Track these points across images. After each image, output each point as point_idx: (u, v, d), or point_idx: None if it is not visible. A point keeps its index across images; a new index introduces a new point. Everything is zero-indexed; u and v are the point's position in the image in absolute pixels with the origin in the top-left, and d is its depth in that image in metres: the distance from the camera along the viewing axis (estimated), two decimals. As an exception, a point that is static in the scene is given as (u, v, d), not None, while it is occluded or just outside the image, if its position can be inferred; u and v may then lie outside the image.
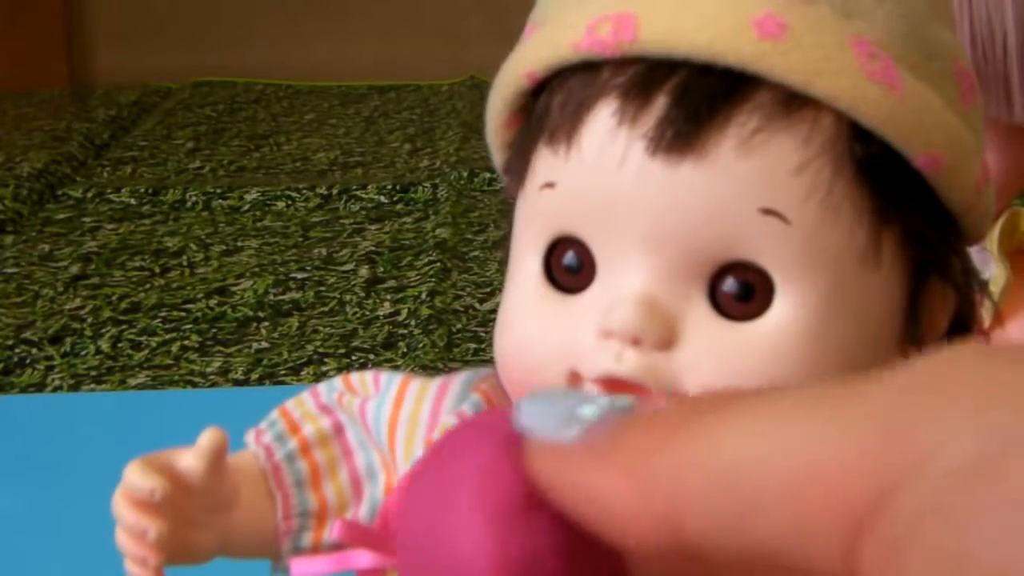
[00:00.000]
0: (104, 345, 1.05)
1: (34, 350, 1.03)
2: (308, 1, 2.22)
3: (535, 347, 0.38)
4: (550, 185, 0.38)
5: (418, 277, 1.22)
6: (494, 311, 1.22)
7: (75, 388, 0.97)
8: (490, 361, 0.44)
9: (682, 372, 0.36)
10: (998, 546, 0.15)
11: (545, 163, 0.38)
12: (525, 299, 0.39)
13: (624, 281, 0.37)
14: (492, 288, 1.17)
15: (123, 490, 0.44)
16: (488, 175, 1.47)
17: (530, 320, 0.39)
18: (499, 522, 0.18)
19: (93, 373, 1.00)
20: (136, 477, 0.44)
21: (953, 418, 0.16)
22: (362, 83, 2.13)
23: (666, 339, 0.36)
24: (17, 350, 1.03)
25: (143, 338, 1.07)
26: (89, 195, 1.48)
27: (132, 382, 0.97)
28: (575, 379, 0.37)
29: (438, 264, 1.25)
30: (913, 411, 0.16)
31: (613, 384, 0.36)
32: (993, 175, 0.77)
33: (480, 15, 2.42)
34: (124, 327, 1.09)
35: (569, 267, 0.38)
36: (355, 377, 0.49)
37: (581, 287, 0.37)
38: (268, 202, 1.47)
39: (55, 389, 0.97)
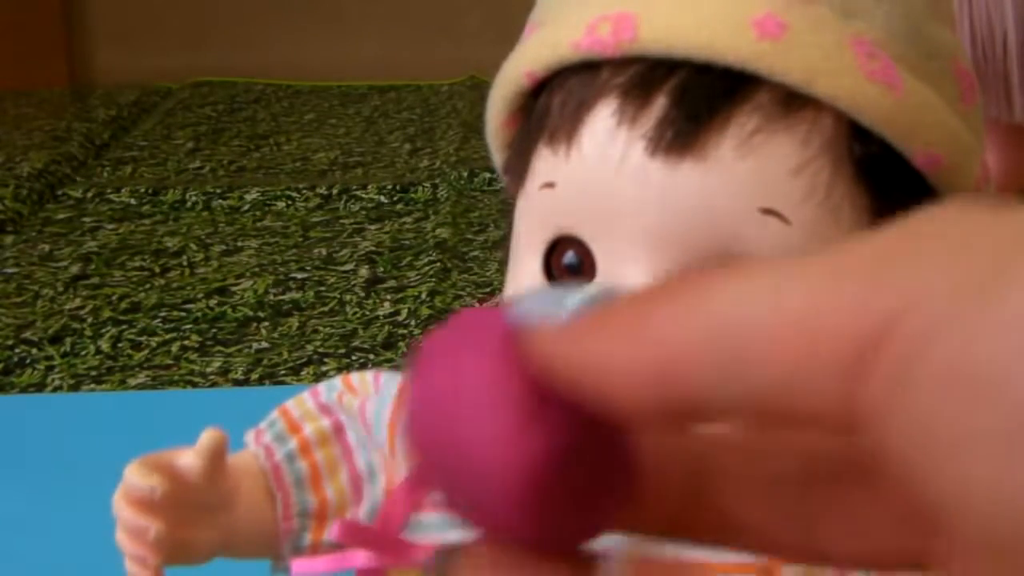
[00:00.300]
0: (104, 345, 1.05)
1: (34, 350, 1.03)
2: (308, 1, 2.22)
3: None
4: (550, 185, 0.38)
5: (418, 277, 1.22)
6: (494, 311, 1.22)
7: (75, 388, 0.97)
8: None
9: None
10: (1007, 361, 0.15)
11: (545, 163, 0.38)
12: None
13: (624, 280, 0.37)
14: (492, 288, 1.17)
15: (123, 490, 0.44)
16: (488, 175, 1.47)
17: None
18: (520, 418, 0.18)
19: (93, 373, 1.00)
20: (135, 476, 0.44)
21: (948, 251, 0.17)
22: (362, 83, 2.13)
23: None
24: (17, 350, 1.03)
25: (143, 338, 1.07)
26: (89, 195, 1.48)
27: (132, 382, 0.97)
28: None
29: (438, 264, 1.25)
30: (909, 250, 0.17)
31: None
32: (993, 175, 0.77)
33: (480, 14, 2.41)
34: (124, 327, 1.09)
35: (570, 266, 0.38)
36: (355, 377, 0.49)
37: None
38: (268, 202, 1.47)
39: (55, 389, 0.97)
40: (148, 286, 1.17)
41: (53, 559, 0.73)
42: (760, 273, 0.18)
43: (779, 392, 0.17)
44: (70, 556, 0.73)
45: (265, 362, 1.01)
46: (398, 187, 1.50)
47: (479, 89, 2.10)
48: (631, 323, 0.18)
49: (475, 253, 1.28)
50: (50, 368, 1.01)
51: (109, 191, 1.48)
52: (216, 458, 0.44)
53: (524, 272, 0.40)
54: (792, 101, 0.36)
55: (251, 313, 1.12)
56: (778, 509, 0.21)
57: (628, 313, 0.18)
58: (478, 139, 1.82)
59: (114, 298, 1.16)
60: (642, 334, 0.18)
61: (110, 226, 1.39)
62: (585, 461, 0.19)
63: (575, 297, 0.19)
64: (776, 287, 0.17)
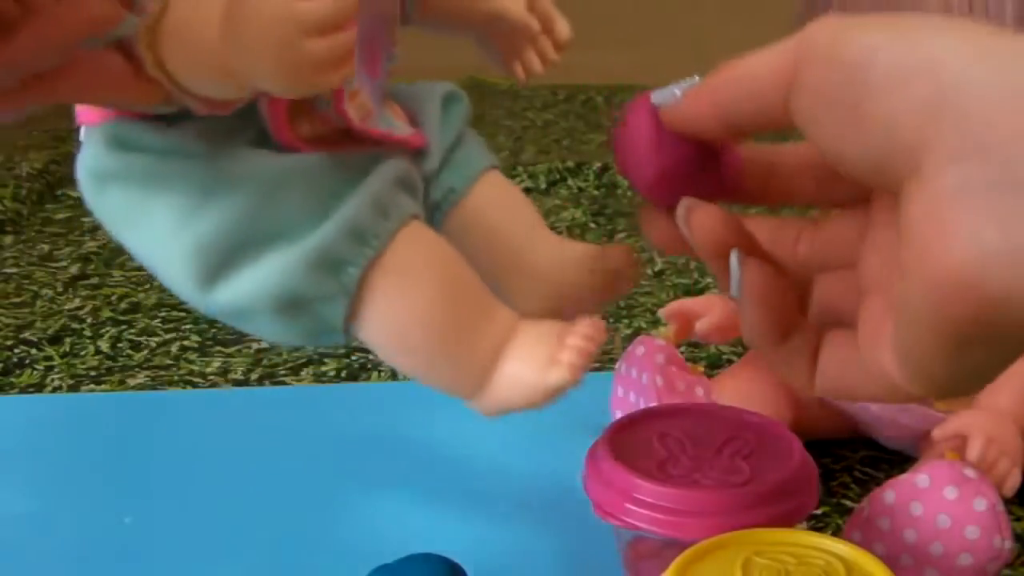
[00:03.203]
0: (104, 345, 1.05)
1: (34, 350, 1.03)
2: (308, 1, 2.22)
3: None
4: None
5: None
6: (494, 311, 1.21)
7: (75, 388, 0.97)
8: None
9: None
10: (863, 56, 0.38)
11: None
12: None
13: None
14: (492, 288, 1.17)
15: None
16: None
17: None
18: (653, 145, 0.43)
19: (93, 373, 1.00)
20: None
21: (827, 22, 0.40)
22: (362, 83, 2.13)
23: None
24: (17, 350, 1.03)
25: (143, 338, 1.07)
26: (89, 195, 1.48)
27: (132, 382, 0.97)
28: None
29: (438, 264, 1.25)
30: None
31: None
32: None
33: (480, 15, 2.41)
34: (124, 327, 1.09)
35: None
36: None
37: None
38: (268, 202, 1.47)
39: (55, 389, 0.97)
40: (148, 286, 1.17)
41: (53, 559, 0.73)
42: (744, 60, 0.41)
43: (759, 110, 0.40)
44: (70, 556, 0.73)
45: (265, 362, 1.01)
46: (398, 187, 1.50)
47: (479, 89, 2.10)
48: (699, 92, 0.42)
49: (475, 253, 1.28)
50: (50, 368, 1.01)
51: None
52: None
53: None
54: None
55: (251, 313, 1.12)
56: (807, 188, 0.45)
57: (697, 89, 0.43)
58: (478, 139, 1.83)
59: (114, 298, 1.16)
60: (701, 98, 0.42)
61: (110, 226, 1.38)
62: (696, 165, 0.43)
63: (679, 87, 0.43)
64: (747, 59, 0.41)
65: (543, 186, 1.52)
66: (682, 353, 0.84)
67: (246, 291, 0.55)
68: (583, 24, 2.64)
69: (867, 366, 0.40)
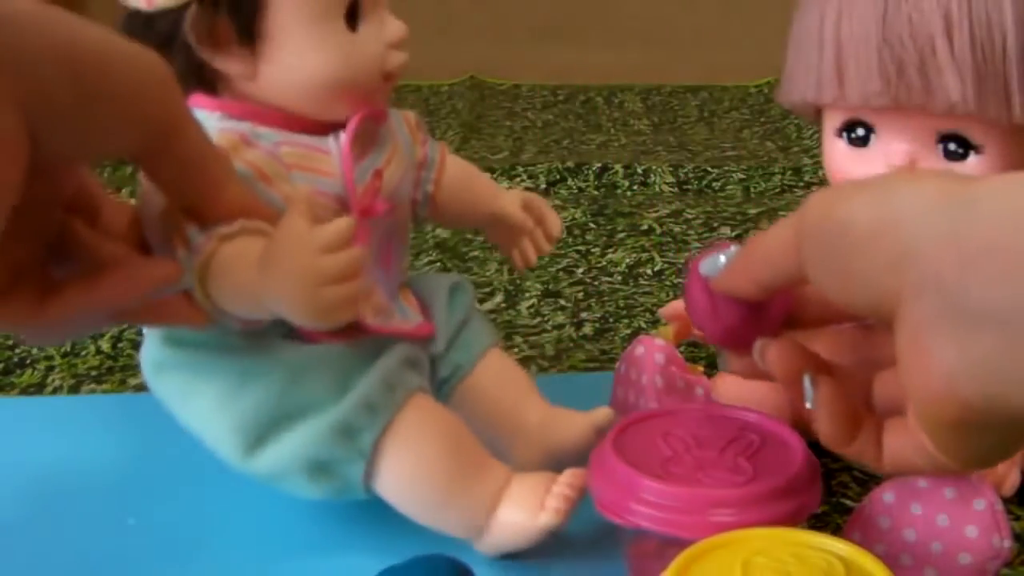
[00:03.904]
0: (104, 345, 1.05)
1: (34, 350, 1.03)
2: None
3: None
4: None
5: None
6: (494, 311, 1.23)
7: (75, 388, 0.97)
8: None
9: None
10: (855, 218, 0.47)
11: None
12: None
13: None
14: (492, 288, 1.18)
15: (325, 244, 0.56)
16: (488, 175, 1.47)
17: None
18: (709, 313, 0.56)
19: (93, 373, 1.00)
20: (337, 226, 0.57)
21: (826, 193, 0.50)
22: (362, 83, 2.12)
23: None
24: (17, 350, 1.03)
25: (143, 338, 1.07)
26: (89, 195, 1.48)
27: (133, 382, 0.97)
28: None
29: (438, 264, 1.25)
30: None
31: None
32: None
33: (480, 14, 2.41)
34: (124, 327, 1.09)
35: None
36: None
37: None
38: (268, 202, 1.47)
39: (55, 389, 0.97)
40: (148, 286, 1.17)
41: (53, 560, 0.73)
42: (763, 236, 0.51)
43: (782, 276, 0.50)
44: (70, 557, 0.73)
45: (265, 362, 1.01)
46: (398, 187, 1.50)
47: (479, 89, 2.10)
48: (735, 267, 0.53)
49: (475, 253, 1.28)
50: (50, 368, 1.01)
51: (109, 191, 1.48)
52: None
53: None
54: None
55: (251, 313, 1.12)
56: (827, 311, 0.54)
57: (733, 264, 0.53)
58: (478, 139, 1.83)
59: (114, 298, 1.16)
60: (736, 272, 0.53)
61: (110, 226, 1.38)
62: (752, 314, 0.53)
63: (723, 257, 0.54)
64: (764, 235, 0.51)
65: (543, 186, 1.52)
66: (682, 353, 0.84)
67: (280, 458, 0.67)
68: (583, 24, 2.65)
69: (918, 447, 0.48)
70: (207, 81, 0.68)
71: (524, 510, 0.68)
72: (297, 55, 0.66)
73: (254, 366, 0.66)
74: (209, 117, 0.67)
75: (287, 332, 0.66)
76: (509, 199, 0.84)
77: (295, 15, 0.66)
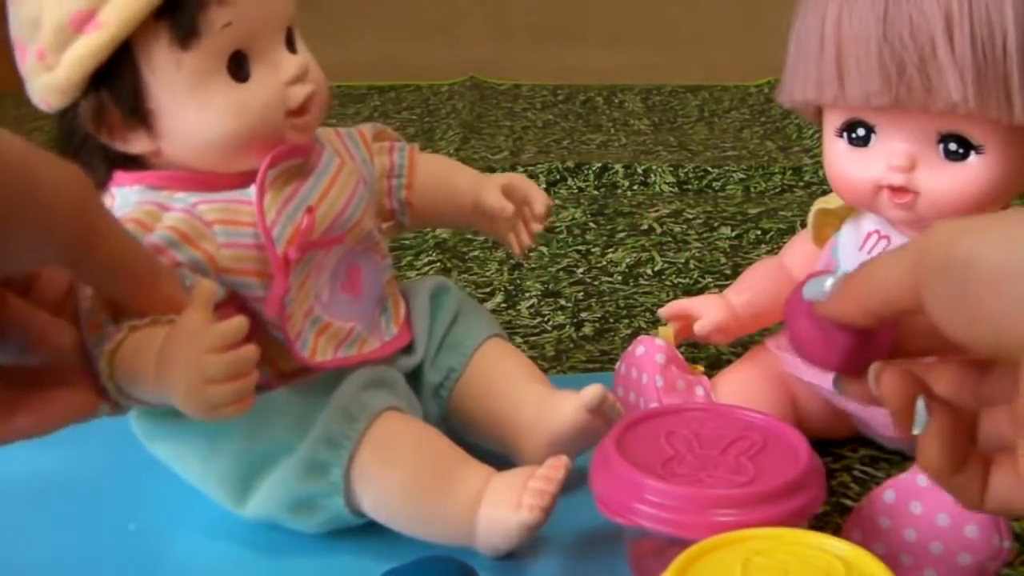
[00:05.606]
0: (104, 345, 1.05)
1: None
2: (308, 1, 2.22)
3: None
4: None
5: (418, 277, 1.22)
6: (494, 311, 1.22)
7: (75, 388, 0.97)
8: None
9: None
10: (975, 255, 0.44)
11: None
12: None
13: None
14: (492, 288, 1.18)
15: (213, 343, 0.57)
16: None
17: None
18: (820, 345, 0.52)
19: (93, 373, 0.99)
20: (227, 326, 0.58)
21: (947, 225, 0.46)
22: (362, 83, 2.13)
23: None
24: (17, 350, 1.03)
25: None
26: (89, 195, 1.48)
27: (132, 382, 0.97)
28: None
29: (438, 264, 1.25)
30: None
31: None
32: (994, 175, 0.77)
33: (480, 14, 2.41)
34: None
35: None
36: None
37: None
38: (268, 202, 1.47)
39: (55, 389, 0.97)
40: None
41: (53, 560, 0.73)
42: (872, 270, 0.50)
43: (896, 309, 0.49)
44: (70, 558, 0.73)
45: (265, 362, 1.01)
46: (398, 187, 1.50)
47: (479, 89, 2.10)
48: (844, 294, 0.50)
49: (475, 253, 1.28)
50: (50, 368, 1.00)
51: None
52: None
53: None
54: None
55: (251, 313, 1.12)
56: (934, 342, 0.50)
57: (840, 293, 0.51)
58: (478, 139, 1.83)
59: (114, 298, 1.16)
60: (847, 301, 0.50)
61: (110, 226, 1.38)
62: (862, 341, 0.52)
63: (828, 282, 0.51)
64: (876, 265, 0.49)
65: (543, 186, 1.52)
66: (682, 353, 0.84)
67: (267, 502, 0.71)
68: (583, 24, 2.64)
69: None
70: (130, 158, 0.69)
71: (504, 507, 0.68)
72: (188, 122, 0.67)
73: (219, 424, 0.67)
74: (130, 192, 0.69)
75: None
76: (490, 186, 0.82)
77: (174, 87, 0.66)
